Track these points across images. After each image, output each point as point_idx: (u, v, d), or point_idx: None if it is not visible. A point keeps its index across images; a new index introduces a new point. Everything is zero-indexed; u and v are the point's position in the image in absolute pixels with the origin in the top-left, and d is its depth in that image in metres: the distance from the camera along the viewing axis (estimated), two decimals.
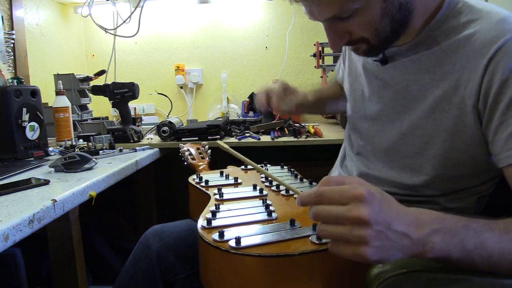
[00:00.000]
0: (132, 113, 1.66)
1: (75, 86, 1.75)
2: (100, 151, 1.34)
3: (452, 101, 0.66)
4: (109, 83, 1.57)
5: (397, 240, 0.48)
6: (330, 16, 0.64)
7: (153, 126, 1.72)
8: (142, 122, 1.90)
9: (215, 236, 0.59)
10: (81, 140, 1.48)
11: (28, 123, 1.25)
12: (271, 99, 0.97)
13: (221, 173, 0.98)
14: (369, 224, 0.46)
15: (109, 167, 1.13)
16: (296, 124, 1.62)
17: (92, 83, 1.76)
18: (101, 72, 1.89)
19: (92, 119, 1.81)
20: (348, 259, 0.47)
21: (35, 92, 1.30)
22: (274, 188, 0.86)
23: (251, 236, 0.59)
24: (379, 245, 0.46)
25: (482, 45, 0.63)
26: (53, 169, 1.09)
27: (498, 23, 0.63)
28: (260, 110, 1.03)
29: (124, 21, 1.88)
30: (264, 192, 0.82)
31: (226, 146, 0.77)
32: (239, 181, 0.92)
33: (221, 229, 0.60)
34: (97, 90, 1.58)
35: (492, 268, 0.52)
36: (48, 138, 1.38)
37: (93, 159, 1.13)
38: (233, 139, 1.56)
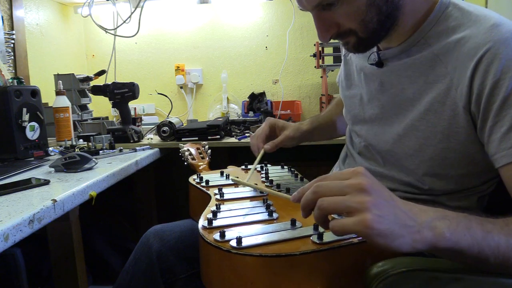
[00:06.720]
0: (132, 113, 1.66)
1: (75, 86, 1.75)
2: (100, 151, 1.34)
3: (445, 103, 0.67)
4: (109, 83, 1.57)
5: (400, 216, 0.47)
6: (316, 3, 0.66)
7: (153, 126, 1.72)
8: (142, 122, 1.90)
9: (216, 236, 0.59)
10: (81, 140, 1.48)
11: (28, 123, 1.25)
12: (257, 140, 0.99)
13: (222, 173, 0.98)
14: (369, 192, 0.46)
15: (109, 167, 1.13)
16: None
17: (92, 83, 1.76)
18: (101, 72, 1.89)
19: (92, 119, 1.81)
20: (350, 232, 0.47)
21: (35, 92, 1.30)
22: (274, 188, 0.86)
23: (252, 236, 0.59)
24: (381, 214, 0.45)
25: (472, 48, 0.64)
26: (53, 169, 1.09)
27: (489, 28, 0.63)
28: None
29: (124, 21, 1.88)
30: (265, 192, 0.82)
31: (238, 179, 0.87)
32: None
33: (222, 229, 0.60)
34: (97, 90, 1.58)
35: (502, 260, 0.50)
36: (48, 138, 1.38)
37: (93, 159, 1.13)
38: (233, 139, 1.56)
